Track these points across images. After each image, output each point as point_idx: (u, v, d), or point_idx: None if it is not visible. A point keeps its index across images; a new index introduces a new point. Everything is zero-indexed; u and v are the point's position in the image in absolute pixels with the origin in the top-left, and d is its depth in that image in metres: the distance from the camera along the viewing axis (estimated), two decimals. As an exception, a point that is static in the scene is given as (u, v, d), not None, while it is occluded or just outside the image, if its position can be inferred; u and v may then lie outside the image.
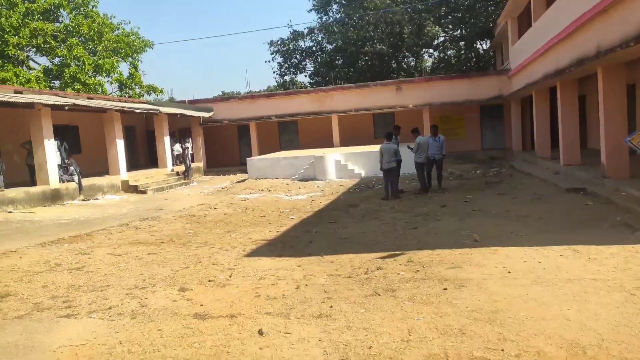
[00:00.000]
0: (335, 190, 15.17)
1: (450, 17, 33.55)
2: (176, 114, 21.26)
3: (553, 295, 4.48)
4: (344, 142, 24.08)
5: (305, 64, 39.75)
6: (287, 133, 26.90)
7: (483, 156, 22.23)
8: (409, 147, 13.21)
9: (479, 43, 36.56)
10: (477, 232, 7.25)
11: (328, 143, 24.54)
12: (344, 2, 35.87)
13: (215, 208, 13.10)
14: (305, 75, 40.32)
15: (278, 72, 39.26)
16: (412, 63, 37.00)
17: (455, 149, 23.82)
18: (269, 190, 16.48)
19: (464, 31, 34.13)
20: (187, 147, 21.04)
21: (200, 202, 14.70)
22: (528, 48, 16.04)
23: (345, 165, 18.22)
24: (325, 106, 24.16)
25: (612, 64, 9.80)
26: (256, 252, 7.25)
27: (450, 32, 35.45)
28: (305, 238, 8.07)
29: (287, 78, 40.13)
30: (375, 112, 24.13)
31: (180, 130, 25.45)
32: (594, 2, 9.23)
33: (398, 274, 5.53)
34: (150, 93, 34.84)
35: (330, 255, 6.69)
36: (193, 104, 24.94)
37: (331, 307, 4.58)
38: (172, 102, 25.63)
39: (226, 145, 27.12)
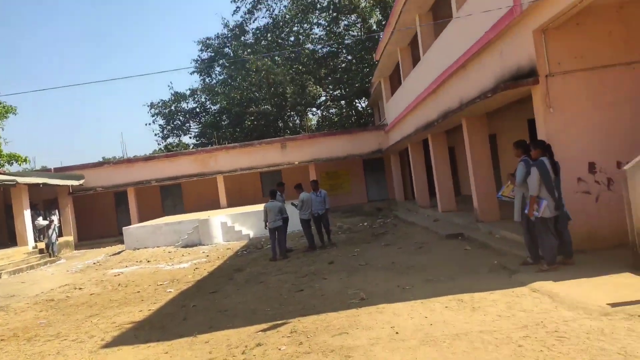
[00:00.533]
0: (222, 255, 14.24)
1: (329, 78, 35.21)
2: (38, 184, 19.02)
3: (442, 356, 4.14)
4: (232, 203, 23.30)
5: (190, 126, 38.84)
6: (171, 197, 25.45)
7: (369, 208, 22.76)
8: (292, 203, 12.89)
9: (357, 102, 38.71)
10: (363, 289, 6.91)
11: (215, 205, 23.57)
12: (227, 64, 36.11)
13: (80, 288, 11.47)
14: (190, 137, 39.32)
15: (160, 134, 37.80)
16: (298, 122, 37.92)
17: (343, 202, 24.22)
18: (148, 261, 15.02)
19: (343, 91, 35.94)
20: (52, 220, 18.77)
21: (64, 282, 12.86)
22: (400, 104, 17.00)
23: (232, 227, 17.39)
24: (209, 167, 23.36)
25: (474, 116, 10.50)
26: (117, 341, 6.16)
27: (331, 92, 37.14)
28: (179, 315, 7.12)
29: (170, 140, 38.74)
30: (261, 170, 23.83)
31: (47, 201, 22.87)
32: (453, 58, 9.90)
33: (279, 349, 4.89)
34: (12, 163, 31.37)
35: (205, 334, 5.86)
36: (60, 171, 22.66)
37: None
38: (34, 171, 23.04)
39: (101, 214, 24.85)
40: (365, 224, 17.24)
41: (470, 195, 18.49)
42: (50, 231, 18.73)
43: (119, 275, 13.04)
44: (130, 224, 22.36)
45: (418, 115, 14.14)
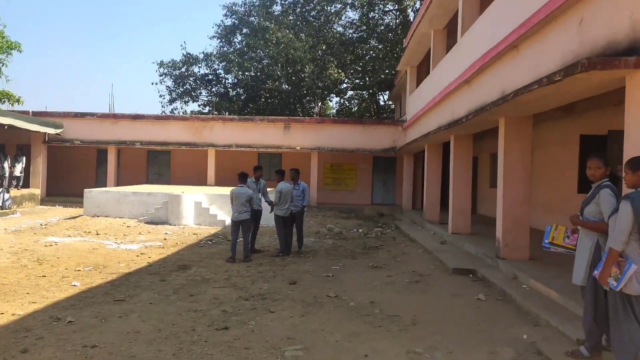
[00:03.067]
0: (182, 241, 11.83)
1: (354, 65, 32.45)
2: (3, 125, 16.75)
3: None
4: (222, 182, 20.86)
5: (200, 93, 36.44)
6: (157, 165, 23.12)
7: (371, 211, 20.16)
8: (267, 201, 10.39)
9: (380, 95, 35.92)
10: (310, 350, 4.39)
11: (203, 181, 21.18)
12: (247, 32, 33.54)
13: (-14, 257, 9.16)
14: (199, 105, 36.93)
15: (168, 97, 35.43)
16: (316, 109, 35.37)
17: (343, 201, 21.66)
18: (98, 234, 12.68)
19: (367, 80, 33.17)
20: (11, 167, 16.55)
21: (-19, 244, 10.60)
22: (425, 97, 14.31)
23: (207, 209, 14.94)
24: (202, 137, 20.92)
25: (516, 116, 7.83)
26: None
27: (353, 80, 34.38)
28: (23, 341, 4.65)
29: (177, 105, 36.42)
30: (259, 150, 21.34)
31: (21, 147, 20.67)
32: (500, 36, 7.23)
33: None
34: (4, 101, 29.33)
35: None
36: (38, 116, 20.40)
37: None
38: (7, 110, 20.79)
39: (80, 171, 22.61)
40: (361, 230, 14.67)
41: (488, 217, 15.86)
42: (3, 180, 16.54)
43: (50, 245, 10.73)
44: (106, 186, 20.11)
45: (443, 111, 11.47)
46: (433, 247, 10.28)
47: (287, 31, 28.16)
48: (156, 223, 14.67)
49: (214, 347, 4.47)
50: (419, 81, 18.06)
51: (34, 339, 4.64)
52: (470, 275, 7.77)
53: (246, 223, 9.47)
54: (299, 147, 20.44)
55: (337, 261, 9.38)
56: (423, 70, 18.41)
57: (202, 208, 14.89)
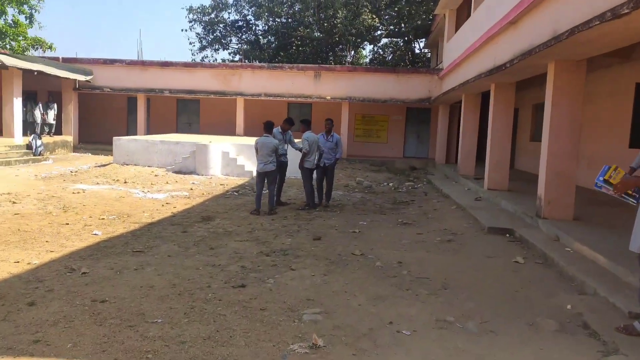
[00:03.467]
0: (209, 191, 11.66)
1: (389, 9, 30.81)
2: (32, 71, 16.68)
3: None
4: (250, 132, 20.49)
5: (230, 40, 35.63)
6: (187, 114, 22.92)
7: (403, 165, 19.54)
8: (293, 146, 9.94)
9: (416, 43, 34.29)
10: (331, 314, 4.06)
11: (232, 130, 20.91)
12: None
13: (14, 202, 9.19)
14: (230, 53, 36.20)
15: (198, 44, 34.80)
16: (349, 58, 34.10)
17: (374, 153, 21.08)
18: (125, 182, 12.64)
19: (402, 27, 31.57)
20: (44, 114, 16.61)
21: (13, 189, 10.68)
22: (464, 43, 13.29)
23: (234, 159, 14.69)
24: (231, 86, 20.45)
25: (569, 60, 7.01)
26: None
27: (388, 26, 32.79)
28: (34, 293, 4.48)
29: (207, 53, 35.82)
30: (289, 100, 20.77)
31: (53, 94, 20.72)
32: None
33: None
34: (37, 48, 29.38)
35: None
36: (68, 62, 20.27)
37: None
38: (37, 56, 20.73)
39: (111, 118, 22.68)
40: (391, 184, 14.17)
41: (526, 172, 15.00)
42: (37, 125, 16.65)
43: (78, 193, 10.73)
44: (136, 134, 20.11)
45: (484, 56, 10.57)
46: (467, 204, 9.73)
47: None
48: (184, 173, 14.56)
49: (228, 307, 4.19)
50: (458, 26, 16.87)
51: (44, 291, 4.48)
52: (507, 235, 7.25)
53: (271, 174, 9.12)
54: (329, 97, 19.75)
55: (365, 216, 8.98)
56: (463, 14, 17.16)
57: (230, 158, 14.65)
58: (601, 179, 3.90)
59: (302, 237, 7.08)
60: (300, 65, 20.73)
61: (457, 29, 16.59)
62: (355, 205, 10.24)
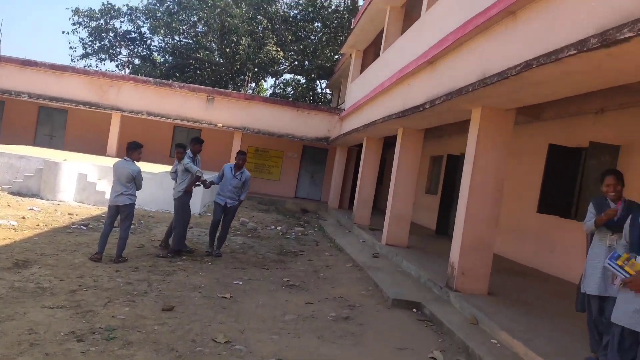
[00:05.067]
0: (48, 222, 9.08)
1: (294, 45, 30.02)
2: None
3: None
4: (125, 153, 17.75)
5: (119, 52, 32.38)
6: (50, 124, 19.50)
7: (294, 206, 18.08)
8: (203, 181, 7.93)
9: (318, 81, 33.90)
10: None
11: (103, 150, 17.99)
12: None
13: None
14: (118, 66, 32.81)
15: (82, 50, 31.00)
16: (249, 90, 32.49)
17: (264, 191, 19.43)
18: None
19: (306, 64, 30.93)
20: None
21: None
22: (371, 83, 12.38)
23: (93, 183, 12.08)
24: (107, 98, 17.69)
25: (498, 107, 6.02)
26: None
27: (292, 61, 32.01)
28: None
29: (90, 62, 32.15)
30: (175, 122, 18.48)
31: None
32: (482, 6, 5.34)
33: None
34: None
35: None
36: None
37: None
38: None
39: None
40: (279, 228, 12.52)
41: (422, 227, 14.21)
42: None
43: None
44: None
45: (393, 98, 9.56)
46: (364, 262, 8.34)
47: (225, -6, 25.22)
48: (24, 195, 11.63)
49: None
50: (363, 67, 16.20)
51: None
52: (415, 311, 5.87)
53: (125, 209, 6.99)
54: (221, 125, 17.86)
55: (243, 272, 7.16)
56: (370, 54, 16.56)
57: (88, 182, 12.02)
58: (614, 263, 3.39)
59: (148, 305, 5.05)
60: (192, 85, 18.66)
61: (362, 70, 15.88)
62: (233, 254, 8.38)
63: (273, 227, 12.65)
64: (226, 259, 7.94)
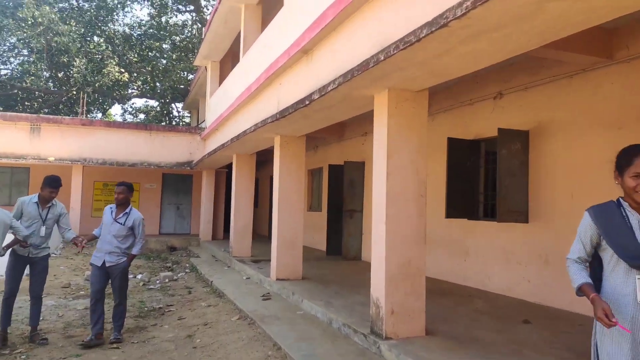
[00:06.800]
0: None
1: (142, 66, 26.92)
2: None
3: None
4: None
5: None
6: None
7: (159, 245, 15.39)
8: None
9: (174, 104, 31.08)
10: None
11: None
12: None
13: None
14: None
15: None
16: (97, 117, 28.34)
17: (120, 231, 16.31)
18: None
19: (157, 86, 27.97)
20: None
21: None
22: (233, 93, 10.56)
23: None
24: None
25: (406, 90, 4.63)
26: None
27: (141, 85, 28.76)
28: None
29: None
30: (-9, 161, 14.65)
31: None
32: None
33: None
34: None
35: None
36: None
37: None
38: None
39: None
40: (140, 277, 10.01)
41: (306, 247, 12.49)
42: None
43: None
44: None
45: (265, 101, 7.86)
46: (254, 310, 6.41)
47: (48, 8, 21.48)
48: None
49: None
50: (222, 79, 14.35)
51: None
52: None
53: None
54: (52, 158, 14.52)
55: (77, 358, 4.79)
56: (228, 64, 14.77)
57: None
58: None
59: None
60: (10, 114, 14.99)
61: (221, 82, 14.01)
62: (67, 331, 5.86)
63: (132, 276, 10.06)
64: (55, 339, 5.44)
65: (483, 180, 7.46)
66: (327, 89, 4.83)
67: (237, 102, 9.68)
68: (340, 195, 10.75)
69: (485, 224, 7.19)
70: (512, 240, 6.65)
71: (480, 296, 6.60)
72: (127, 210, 5.57)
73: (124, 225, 5.48)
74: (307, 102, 5.39)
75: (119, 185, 5.62)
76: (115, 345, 5.31)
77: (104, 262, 5.42)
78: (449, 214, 7.18)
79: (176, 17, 28.12)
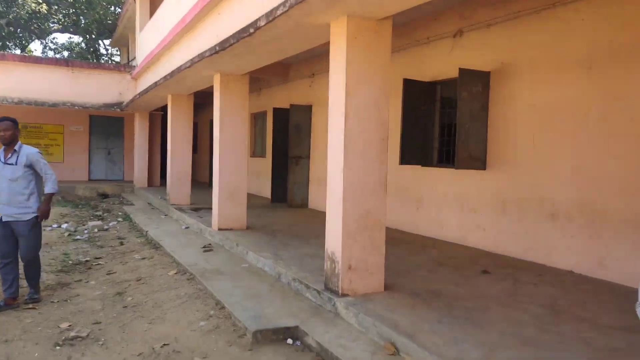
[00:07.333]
0: None
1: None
2: None
3: None
4: None
5: None
6: None
7: (89, 192, 14.27)
8: None
9: (100, 41, 28.49)
10: None
11: None
12: None
13: None
14: None
15: None
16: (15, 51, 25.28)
17: (43, 178, 14.93)
18: None
19: (81, 21, 25.33)
20: None
21: None
22: (165, 26, 9.43)
23: None
24: None
25: (365, 18, 4.02)
26: None
27: (64, 21, 25.92)
28: None
29: None
30: None
31: None
32: None
33: None
34: None
35: None
36: None
37: None
38: None
39: None
40: (65, 226, 9.09)
41: (259, 197, 11.83)
42: None
43: None
44: None
45: (202, 33, 6.96)
46: (195, 263, 5.86)
47: None
48: None
49: None
50: (153, 11, 12.94)
51: None
52: (291, 343, 3.72)
53: None
54: (-42, 97, 12.77)
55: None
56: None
57: None
58: None
59: None
60: None
61: (152, 15, 12.62)
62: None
63: (56, 226, 9.15)
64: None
65: (438, 126, 7.11)
66: (275, 13, 4.12)
67: (170, 35, 8.63)
68: (286, 140, 10.16)
69: (439, 170, 6.91)
70: (467, 187, 6.41)
71: (434, 245, 6.39)
72: (16, 148, 4.67)
73: (16, 164, 4.62)
74: (252, 31, 4.66)
75: (2, 121, 4.65)
76: (31, 306, 4.63)
77: (4, 218, 4.60)
78: (404, 160, 6.82)
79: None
